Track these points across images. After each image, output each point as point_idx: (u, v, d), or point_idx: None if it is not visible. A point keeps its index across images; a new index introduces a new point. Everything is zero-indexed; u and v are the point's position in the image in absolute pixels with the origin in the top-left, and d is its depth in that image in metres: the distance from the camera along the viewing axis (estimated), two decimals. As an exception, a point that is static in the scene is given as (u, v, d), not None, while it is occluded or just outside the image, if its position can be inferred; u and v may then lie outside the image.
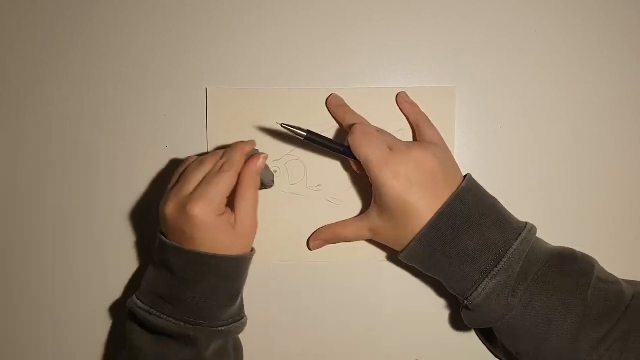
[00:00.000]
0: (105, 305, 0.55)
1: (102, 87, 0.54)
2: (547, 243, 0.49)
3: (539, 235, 0.49)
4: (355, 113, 0.52)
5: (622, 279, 0.49)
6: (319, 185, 0.54)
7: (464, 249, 0.45)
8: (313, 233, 0.53)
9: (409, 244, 0.47)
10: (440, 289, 0.53)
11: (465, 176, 0.49)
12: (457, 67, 0.54)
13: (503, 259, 0.44)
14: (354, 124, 0.49)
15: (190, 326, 0.45)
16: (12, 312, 0.55)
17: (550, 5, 0.54)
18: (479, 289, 0.45)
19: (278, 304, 0.55)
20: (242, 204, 0.47)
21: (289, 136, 0.53)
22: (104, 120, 0.54)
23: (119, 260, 0.55)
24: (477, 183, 0.49)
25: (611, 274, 0.49)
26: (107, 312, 0.55)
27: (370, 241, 0.53)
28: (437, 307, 0.55)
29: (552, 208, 0.55)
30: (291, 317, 0.55)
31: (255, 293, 0.54)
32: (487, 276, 0.45)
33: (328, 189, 0.54)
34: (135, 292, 0.49)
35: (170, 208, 0.46)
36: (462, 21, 0.54)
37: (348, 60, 0.54)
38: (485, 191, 0.49)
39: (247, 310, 0.53)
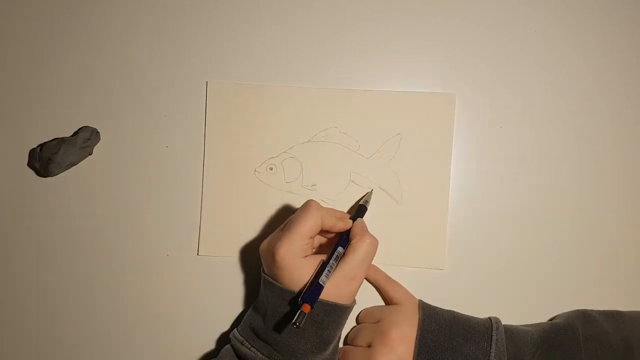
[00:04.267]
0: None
1: (102, 82, 0.55)
2: (520, 329, 0.50)
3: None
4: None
5: (604, 314, 0.50)
6: (314, 185, 0.54)
7: None
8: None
9: None
10: (434, 291, 0.53)
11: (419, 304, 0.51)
12: (458, 68, 0.54)
13: None
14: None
15: None
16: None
17: (550, 5, 0.53)
18: None
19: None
20: (349, 252, 0.47)
21: (286, 134, 0.53)
22: (103, 116, 0.55)
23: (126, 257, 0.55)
24: (429, 305, 0.51)
25: (597, 317, 0.49)
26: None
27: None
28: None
29: (552, 208, 0.54)
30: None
31: (247, 289, 0.54)
32: None
33: (323, 189, 0.54)
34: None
35: (263, 246, 0.49)
36: (462, 21, 0.54)
37: (349, 61, 0.54)
38: (440, 308, 0.51)
39: (240, 306, 0.53)
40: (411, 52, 0.54)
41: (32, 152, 0.55)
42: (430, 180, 0.54)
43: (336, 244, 0.49)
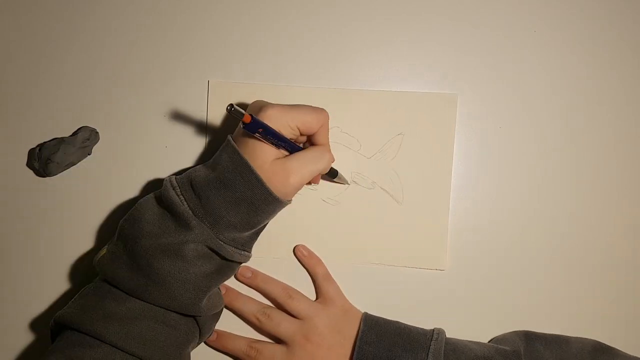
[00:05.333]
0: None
1: (102, 82, 0.55)
2: (466, 344, 0.50)
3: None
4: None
5: (549, 340, 0.51)
6: (315, 185, 0.54)
7: None
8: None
9: None
10: (426, 291, 0.53)
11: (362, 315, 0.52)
12: (459, 68, 0.54)
13: None
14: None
15: (195, 218, 0.45)
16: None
17: (550, 5, 0.53)
18: None
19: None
20: (305, 150, 0.47)
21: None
22: (102, 116, 0.55)
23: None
24: (374, 317, 0.52)
25: (539, 346, 0.50)
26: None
27: (364, 247, 0.54)
28: (427, 308, 0.54)
29: (552, 208, 0.54)
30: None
31: (246, 288, 0.54)
32: None
33: (324, 189, 0.54)
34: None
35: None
36: (463, 22, 0.54)
37: (350, 61, 0.54)
38: (385, 320, 0.52)
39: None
40: (412, 52, 0.54)
41: (32, 152, 0.54)
42: (432, 181, 0.54)
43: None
